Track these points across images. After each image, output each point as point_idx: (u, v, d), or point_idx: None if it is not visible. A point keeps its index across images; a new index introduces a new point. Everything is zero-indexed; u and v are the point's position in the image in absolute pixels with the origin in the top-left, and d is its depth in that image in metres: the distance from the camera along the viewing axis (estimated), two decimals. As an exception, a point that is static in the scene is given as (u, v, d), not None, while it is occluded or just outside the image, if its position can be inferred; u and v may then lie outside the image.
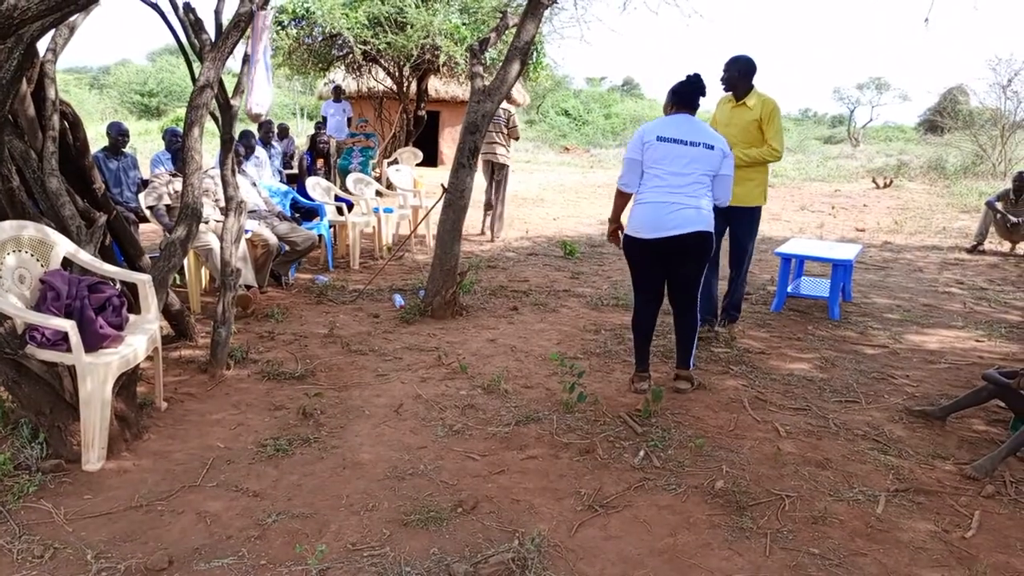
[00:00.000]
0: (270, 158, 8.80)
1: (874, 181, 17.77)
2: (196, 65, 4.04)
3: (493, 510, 2.84)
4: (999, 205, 9.38)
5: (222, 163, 4.33)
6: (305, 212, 7.05)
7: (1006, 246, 9.65)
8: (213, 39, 3.99)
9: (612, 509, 2.88)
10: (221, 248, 4.30)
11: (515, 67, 5.29)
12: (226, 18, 4.11)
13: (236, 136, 4.52)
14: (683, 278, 4.01)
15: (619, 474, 3.17)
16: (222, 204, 4.62)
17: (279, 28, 13.11)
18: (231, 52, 4.03)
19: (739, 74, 4.96)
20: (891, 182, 17.51)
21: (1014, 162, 19.29)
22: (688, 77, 4.03)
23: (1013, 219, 9.25)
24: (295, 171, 9.17)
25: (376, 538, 2.62)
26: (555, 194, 14.57)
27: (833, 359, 4.81)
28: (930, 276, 7.85)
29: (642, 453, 3.34)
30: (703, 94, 3.98)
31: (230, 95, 4.26)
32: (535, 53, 13.51)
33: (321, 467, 3.13)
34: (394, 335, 5.00)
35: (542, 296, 6.24)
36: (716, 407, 3.95)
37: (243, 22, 3.98)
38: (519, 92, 19.99)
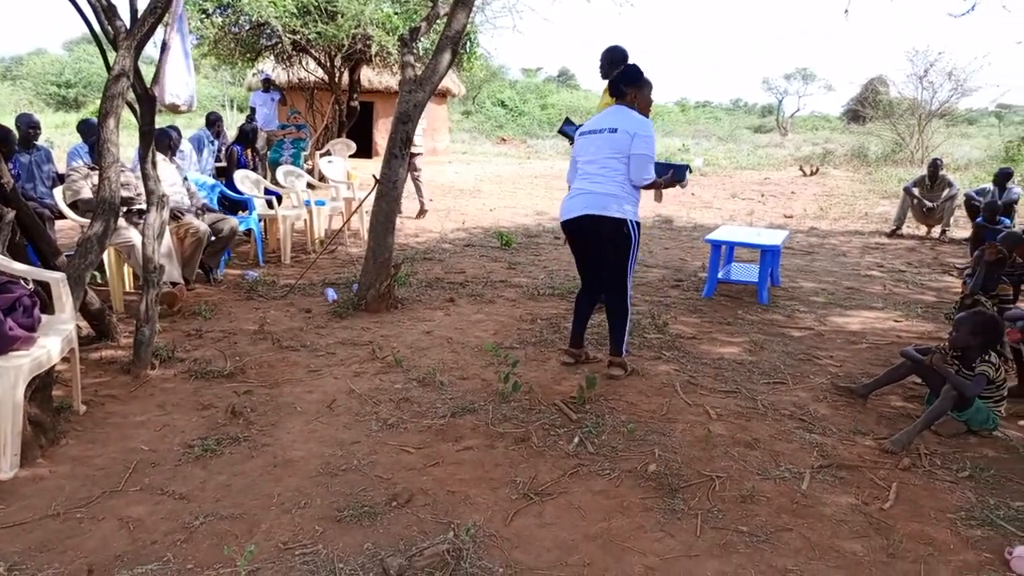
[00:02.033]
0: (215, 151, 8.54)
1: (801, 169, 18.31)
2: (111, 53, 3.87)
3: (428, 502, 2.83)
4: (916, 191, 9.78)
5: (142, 157, 4.16)
6: (233, 206, 6.86)
7: (922, 230, 10.07)
8: (128, 26, 3.83)
9: (547, 496, 2.90)
10: (143, 244, 4.15)
11: (446, 57, 5.25)
12: (142, 4, 3.94)
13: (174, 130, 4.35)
14: (601, 262, 4.16)
15: (554, 461, 3.18)
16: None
17: (203, 16, 12.70)
18: (148, 39, 3.88)
19: (609, 64, 5.01)
20: (817, 170, 18.08)
21: (930, 149, 20.14)
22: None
23: (928, 204, 9.66)
24: (223, 164, 8.91)
25: (308, 536, 2.57)
26: (492, 185, 14.55)
27: (762, 342, 4.94)
28: (853, 260, 8.14)
29: (576, 440, 3.37)
30: (626, 82, 4.09)
31: (148, 85, 4.10)
32: (468, 43, 13.44)
33: (251, 466, 3.05)
34: (327, 330, 4.91)
35: (479, 287, 6.23)
36: (649, 392, 4.01)
37: (159, 8, 3.84)
38: (454, 82, 19.89)
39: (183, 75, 4.19)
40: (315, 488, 2.89)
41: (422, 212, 10.09)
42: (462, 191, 13.27)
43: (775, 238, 6.30)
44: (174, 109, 4.31)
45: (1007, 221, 8.18)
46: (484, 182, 15.01)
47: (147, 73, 4.08)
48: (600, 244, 4.08)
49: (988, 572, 2.49)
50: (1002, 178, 8.97)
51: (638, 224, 4.07)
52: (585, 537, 2.64)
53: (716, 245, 6.15)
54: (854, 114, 35.08)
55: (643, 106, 4.11)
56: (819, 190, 15.04)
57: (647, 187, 4.08)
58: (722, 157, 21.56)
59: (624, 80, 4.09)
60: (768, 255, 6.05)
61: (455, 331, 4.99)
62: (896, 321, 5.66)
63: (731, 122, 41.21)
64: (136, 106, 4.10)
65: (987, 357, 3.66)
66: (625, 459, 3.22)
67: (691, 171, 4.26)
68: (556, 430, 3.49)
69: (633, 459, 3.22)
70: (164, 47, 4.15)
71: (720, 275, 6.27)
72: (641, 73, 4.14)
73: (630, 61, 4.78)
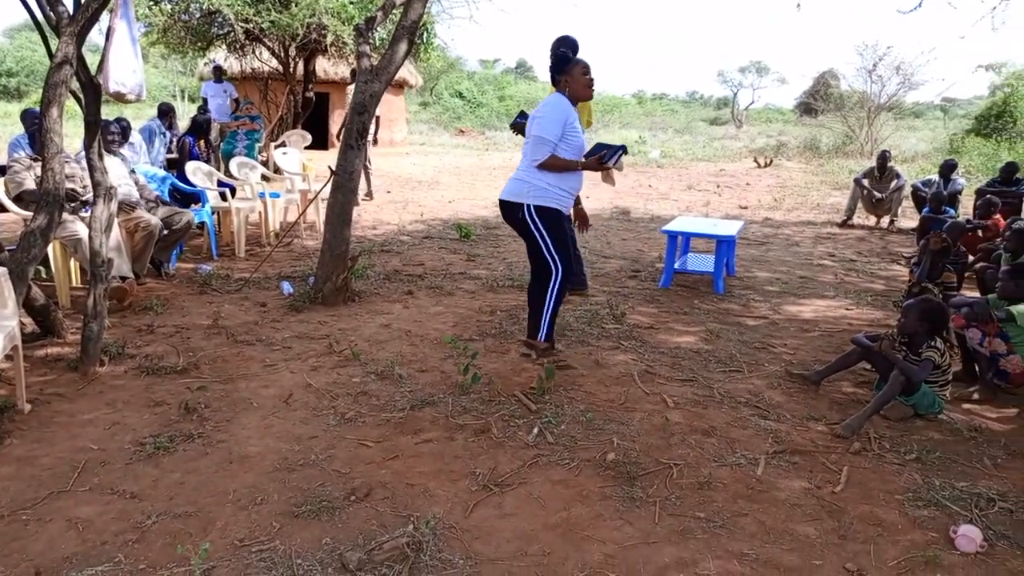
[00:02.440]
0: (166, 142, 8.33)
1: (756, 161, 18.61)
2: (53, 40, 3.75)
3: (387, 496, 2.81)
4: (865, 182, 10.00)
5: (87, 147, 4.04)
6: (185, 198, 6.71)
7: (872, 220, 10.32)
8: (71, 11, 3.71)
9: (507, 487, 2.90)
10: (90, 238, 4.03)
11: (403, 47, 5.19)
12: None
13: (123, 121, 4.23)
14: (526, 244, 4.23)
15: (514, 452, 3.19)
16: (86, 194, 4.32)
17: (152, 3, 12.36)
18: (92, 25, 3.76)
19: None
20: (771, 161, 18.40)
21: (879, 142, 20.62)
22: None
23: (878, 195, 9.90)
24: (175, 155, 8.70)
25: (265, 532, 2.53)
26: (450, 177, 14.49)
27: (718, 331, 5.01)
28: (806, 250, 8.30)
29: (536, 430, 3.38)
30: (555, 69, 4.12)
31: (93, 73, 3.97)
32: (424, 33, 13.33)
33: (206, 463, 3.00)
34: (283, 324, 4.84)
35: (437, 279, 6.20)
36: (607, 382, 4.04)
37: (104, -6, 3.72)
38: (411, 73, 19.73)
39: (130, 62, 4.07)
40: (272, 484, 2.85)
41: (369, 195, 10.53)
42: (420, 183, 13.18)
43: (730, 229, 6.39)
44: (120, 98, 4.19)
45: (951, 211, 8.42)
46: (442, 174, 14.93)
47: (92, 61, 3.96)
48: (512, 225, 4.20)
49: (934, 550, 2.57)
50: (947, 169, 9.23)
51: (538, 208, 4.01)
52: (545, 527, 2.65)
53: (672, 236, 6.21)
54: (806, 107, 35.74)
55: (574, 89, 4.04)
56: (773, 181, 15.30)
57: (586, 168, 4.08)
58: (679, 149, 21.79)
59: (553, 68, 4.13)
60: (723, 245, 6.14)
61: (414, 324, 4.96)
62: (847, 309, 5.79)
63: (687, 114, 41.64)
64: (80, 95, 3.97)
65: (933, 343, 3.76)
66: (584, 448, 3.24)
67: (626, 152, 4.13)
68: (516, 421, 3.49)
69: (592, 448, 3.25)
70: (109, 33, 4.03)
71: (677, 265, 6.34)
72: (568, 58, 4.14)
73: (579, 52, 4.77)
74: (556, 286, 4.15)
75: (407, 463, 3.07)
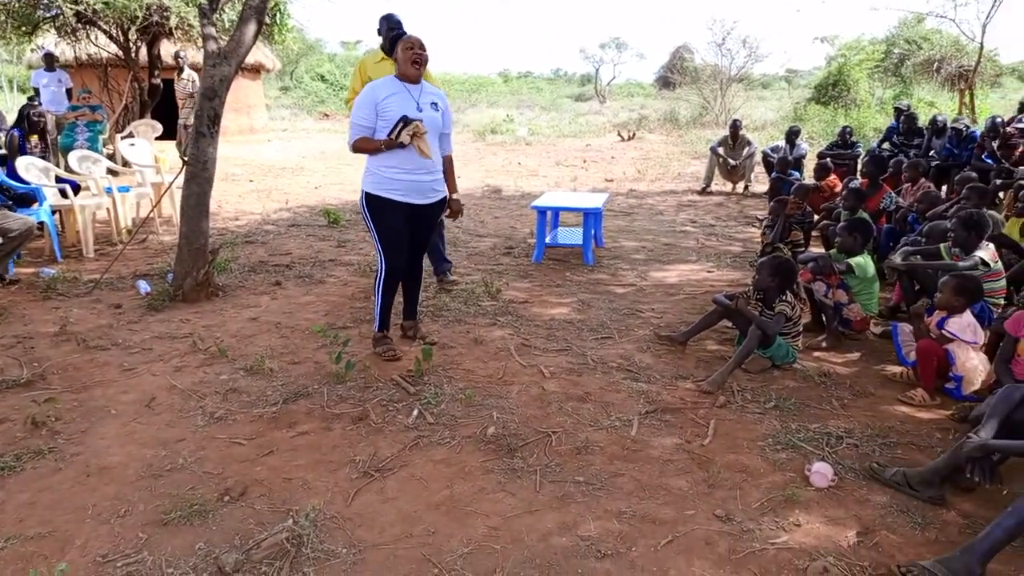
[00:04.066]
0: None
1: (620, 135, 19.16)
2: None
3: (264, 493, 2.71)
4: (720, 150, 10.53)
5: None
6: (18, 198, 6.15)
7: (728, 186, 10.88)
8: None
9: (388, 472, 2.87)
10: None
11: (251, 28, 4.96)
12: None
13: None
14: None
15: (394, 436, 3.16)
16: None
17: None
18: None
19: (387, 31, 4.97)
20: (634, 135, 19.00)
21: (732, 112, 21.70)
22: None
23: (732, 162, 10.45)
24: (3, 151, 7.95)
25: (131, 545, 2.39)
26: (316, 162, 14.04)
27: (589, 301, 5.15)
28: (669, 218, 8.66)
29: (415, 412, 3.36)
30: (390, 50, 4.10)
31: None
32: (276, 13, 12.76)
33: (60, 479, 2.79)
34: (140, 325, 4.55)
35: (307, 268, 6.02)
36: (485, 358, 4.07)
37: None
38: (267, 57, 18.92)
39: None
40: (136, 493, 2.69)
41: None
42: (284, 169, 12.70)
43: (596, 201, 6.57)
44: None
45: (796, 174, 9.02)
46: (307, 159, 14.45)
47: None
48: None
49: (792, 489, 2.76)
50: (792, 135, 9.85)
51: (368, 196, 3.88)
52: (428, 506, 2.65)
53: (542, 211, 6.31)
54: (665, 80, 37.13)
55: (400, 66, 3.82)
56: (637, 154, 15.81)
57: (388, 146, 3.75)
58: (546, 126, 22.07)
59: (387, 49, 4.08)
60: (591, 218, 6.30)
61: (283, 315, 4.79)
62: (708, 272, 6.10)
63: (552, 91, 42.20)
64: None
65: (784, 297, 4.03)
66: (464, 426, 3.26)
67: (407, 122, 3.72)
68: (394, 405, 3.46)
69: (472, 425, 3.26)
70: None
71: (547, 240, 6.45)
72: (397, 36, 4.04)
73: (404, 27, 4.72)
74: (381, 280, 3.98)
75: (283, 458, 2.97)
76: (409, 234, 3.96)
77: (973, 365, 3.55)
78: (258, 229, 7.66)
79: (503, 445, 3.07)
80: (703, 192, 10.57)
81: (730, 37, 22.89)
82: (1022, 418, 2.62)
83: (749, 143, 10.55)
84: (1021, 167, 7.48)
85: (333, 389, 3.62)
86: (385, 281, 3.98)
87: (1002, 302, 4.31)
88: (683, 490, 2.78)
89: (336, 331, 4.27)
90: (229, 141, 14.67)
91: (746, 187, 10.57)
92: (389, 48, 3.99)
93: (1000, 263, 4.37)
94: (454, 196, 4.12)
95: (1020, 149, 7.89)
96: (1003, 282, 4.33)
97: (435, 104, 3.91)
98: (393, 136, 3.74)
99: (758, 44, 22.86)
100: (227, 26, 11.09)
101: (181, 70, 12.30)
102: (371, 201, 3.87)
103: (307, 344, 4.26)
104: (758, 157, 10.53)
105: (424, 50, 3.81)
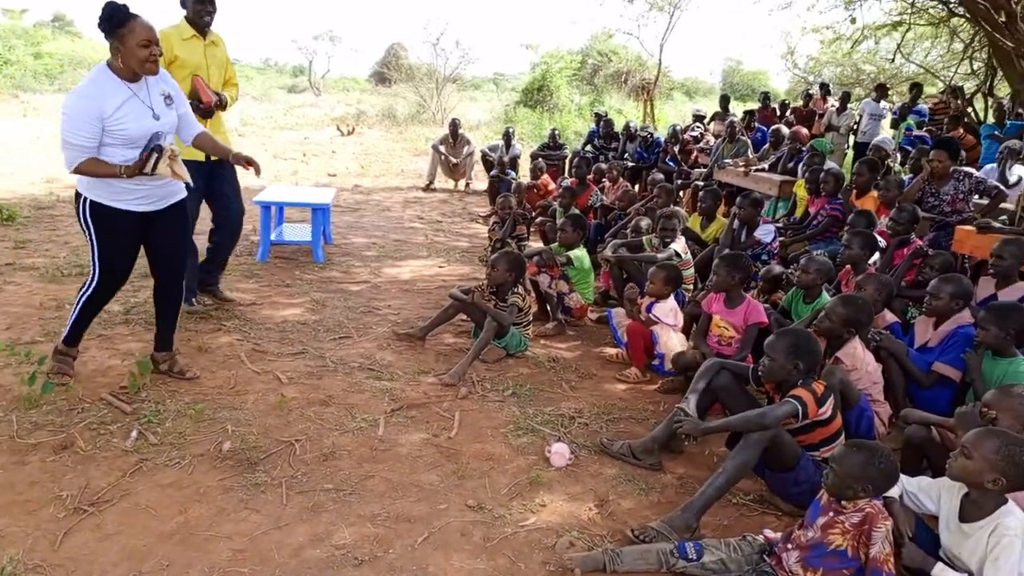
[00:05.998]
0: None
1: (339, 128, 18.80)
2: None
3: (-62, 551, 2.22)
4: (442, 148, 10.80)
5: None
6: None
7: (451, 183, 11.20)
8: None
9: (105, 504, 2.52)
10: None
11: None
12: None
13: None
14: None
15: (109, 463, 2.78)
16: None
17: None
18: None
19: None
20: (353, 130, 18.76)
21: (448, 111, 22.39)
22: None
23: (453, 160, 10.77)
24: None
25: None
26: (-23, 149, 11.88)
27: (323, 300, 4.98)
28: (397, 214, 8.69)
29: (135, 433, 2.98)
30: (107, 32, 3.04)
31: None
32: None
33: None
34: None
35: (-24, 273, 5.05)
36: (213, 367, 3.75)
37: None
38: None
39: None
40: None
41: None
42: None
43: (324, 196, 6.37)
44: None
45: (513, 173, 9.57)
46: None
47: None
48: None
49: (536, 471, 2.92)
50: (507, 137, 10.42)
51: (93, 204, 3.18)
52: (159, 537, 2.37)
53: (266, 206, 5.96)
54: (380, 76, 37.17)
55: (127, 61, 3.02)
56: (358, 149, 15.64)
57: (130, 174, 3.07)
58: (259, 117, 20.94)
59: (103, 27, 3.04)
60: (319, 213, 6.09)
61: (-51, 331, 3.98)
62: (440, 267, 6.22)
63: (264, 82, 40.12)
64: None
65: (516, 289, 4.24)
66: (195, 443, 2.97)
67: (160, 151, 3.08)
68: (107, 428, 3.04)
69: (204, 441, 2.99)
70: None
71: (273, 237, 6.12)
72: (121, 15, 2.99)
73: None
74: (87, 293, 3.35)
75: (-37, 504, 2.47)
76: (149, 246, 3.39)
77: (673, 344, 4.03)
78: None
79: (242, 459, 2.85)
80: (427, 189, 10.76)
81: (443, 37, 23.57)
82: (719, 384, 3.05)
83: (468, 142, 10.95)
84: (696, 169, 8.72)
85: (25, 415, 3.08)
86: (91, 296, 3.35)
87: (690, 288, 4.97)
88: (434, 485, 2.80)
89: (26, 346, 3.64)
90: None
91: (467, 184, 10.96)
92: (106, 28, 3.03)
93: (689, 254, 5.03)
94: (234, 152, 3.54)
95: (695, 154, 9.19)
96: (692, 270, 4.99)
97: (168, 99, 3.23)
98: (148, 169, 3.07)
99: (470, 47, 23.86)
100: None
101: None
102: (100, 212, 3.19)
103: (-15, 365, 3.58)
104: (477, 155, 10.98)
105: (159, 45, 3.11)
